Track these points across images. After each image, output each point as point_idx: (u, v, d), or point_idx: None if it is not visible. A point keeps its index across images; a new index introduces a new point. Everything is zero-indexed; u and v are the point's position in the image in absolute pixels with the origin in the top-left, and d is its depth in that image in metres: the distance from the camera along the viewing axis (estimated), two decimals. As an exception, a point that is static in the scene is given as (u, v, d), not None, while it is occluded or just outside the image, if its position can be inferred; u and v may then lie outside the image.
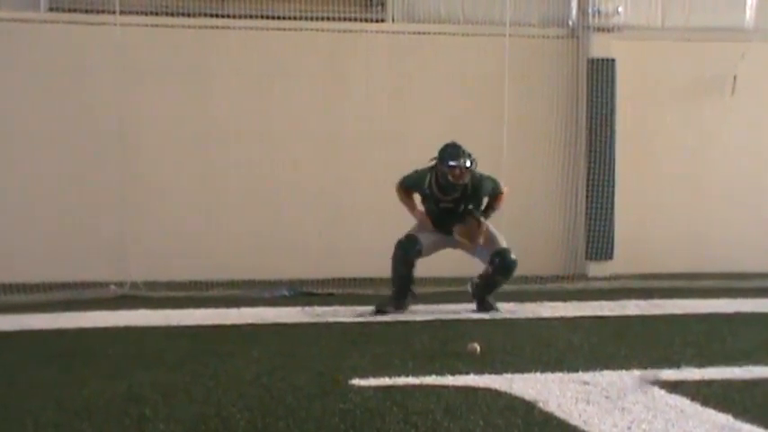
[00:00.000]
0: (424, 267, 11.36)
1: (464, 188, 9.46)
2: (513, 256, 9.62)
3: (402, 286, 9.65)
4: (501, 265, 9.60)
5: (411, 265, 9.58)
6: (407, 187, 9.79)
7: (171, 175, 12.65)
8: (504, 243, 9.70)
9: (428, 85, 13.07)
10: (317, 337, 8.25)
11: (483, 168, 12.74)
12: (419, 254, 9.57)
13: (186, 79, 12.64)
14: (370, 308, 9.59)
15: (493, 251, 9.58)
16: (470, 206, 9.55)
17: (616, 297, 11.00)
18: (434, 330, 8.59)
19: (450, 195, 9.48)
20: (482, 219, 9.52)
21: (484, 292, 9.82)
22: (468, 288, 9.92)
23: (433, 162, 9.44)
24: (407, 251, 9.51)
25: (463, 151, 9.30)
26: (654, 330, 8.76)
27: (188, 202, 12.68)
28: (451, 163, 9.24)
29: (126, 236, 11.94)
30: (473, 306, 9.84)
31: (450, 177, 9.29)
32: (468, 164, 9.28)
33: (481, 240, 9.52)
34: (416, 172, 9.67)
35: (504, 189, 9.85)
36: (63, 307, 10.07)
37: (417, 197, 9.85)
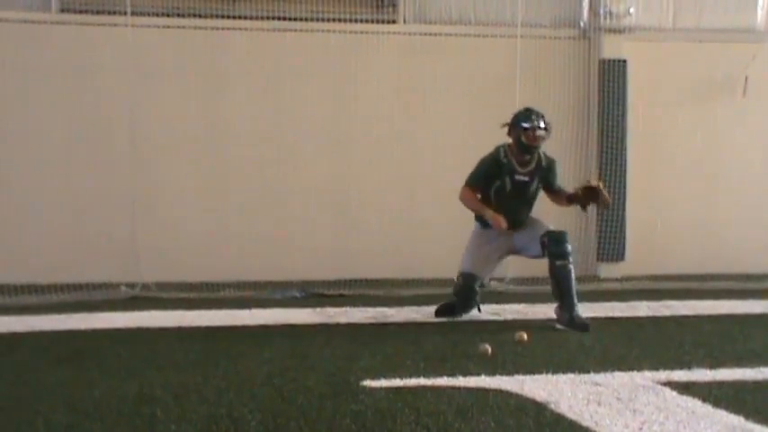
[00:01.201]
0: (433, 269, 11.38)
1: (539, 160, 9.13)
2: (560, 232, 9.11)
3: (466, 307, 9.39)
4: (549, 241, 8.99)
5: (473, 303, 9.32)
6: (478, 179, 9.18)
7: (182, 176, 12.66)
8: (548, 225, 9.23)
9: (439, 87, 13.06)
10: (329, 338, 8.25)
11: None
12: (482, 288, 9.33)
13: (197, 80, 12.65)
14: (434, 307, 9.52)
15: (541, 234, 9.09)
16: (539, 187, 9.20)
17: (627, 298, 10.99)
18: (446, 331, 8.59)
19: (527, 166, 9.09)
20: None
21: (562, 296, 8.94)
22: (557, 317, 9.01)
23: (506, 128, 9.12)
24: (468, 296, 9.21)
25: (536, 114, 9.03)
26: (665, 332, 8.74)
27: (199, 203, 12.69)
28: (524, 125, 8.95)
29: (137, 237, 11.95)
30: (485, 307, 9.75)
31: (524, 139, 8.95)
32: (542, 125, 8.99)
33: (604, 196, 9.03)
34: (482, 159, 9.24)
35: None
36: (74, 308, 10.08)
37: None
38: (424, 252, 12.02)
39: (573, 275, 8.92)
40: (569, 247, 9.00)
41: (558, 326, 8.82)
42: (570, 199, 9.22)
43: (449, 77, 13.10)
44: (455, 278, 9.28)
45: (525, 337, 7.14)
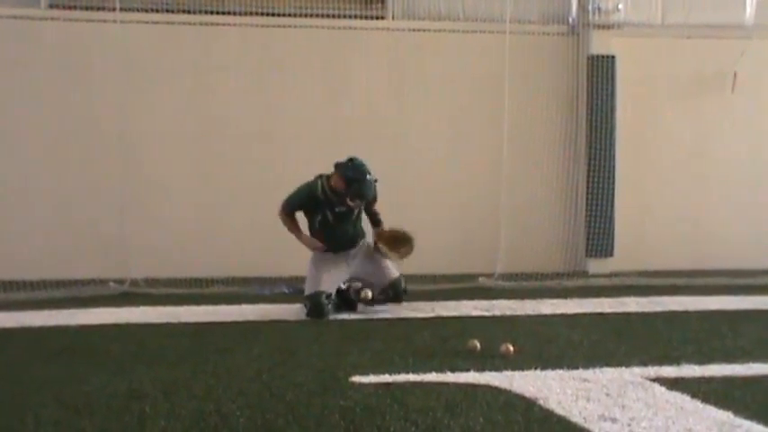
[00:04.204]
0: (423, 266, 11.38)
1: None
2: (402, 285, 9.52)
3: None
4: (392, 298, 9.53)
5: (329, 313, 9.33)
6: (293, 208, 9.40)
7: (171, 172, 12.66)
8: (395, 271, 9.57)
9: (428, 83, 13.08)
10: (317, 334, 8.25)
11: (484, 166, 12.84)
12: (328, 299, 9.32)
13: (186, 76, 12.66)
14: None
15: (387, 282, 9.49)
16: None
17: (616, 294, 11.01)
18: (434, 327, 8.59)
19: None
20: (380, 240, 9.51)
21: (364, 302, 9.49)
22: (353, 295, 9.61)
23: (323, 175, 9.28)
24: (320, 313, 9.19)
25: (371, 181, 9.12)
26: (654, 327, 8.75)
27: (188, 199, 12.69)
28: (357, 202, 9.19)
29: (126, 233, 11.93)
30: (474, 303, 9.82)
31: (349, 201, 9.14)
32: (372, 194, 9.24)
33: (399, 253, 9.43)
34: (300, 188, 9.37)
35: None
36: (63, 304, 10.08)
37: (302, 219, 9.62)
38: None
39: None
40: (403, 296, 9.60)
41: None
42: (375, 235, 9.58)
43: (437, 73, 13.12)
44: (303, 305, 9.38)
45: (512, 349, 7.14)
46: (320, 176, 9.29)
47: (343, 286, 9.60)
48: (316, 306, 9.17)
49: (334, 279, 9.41)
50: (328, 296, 9.28)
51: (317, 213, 9.33)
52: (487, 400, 5.65)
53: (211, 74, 12.72)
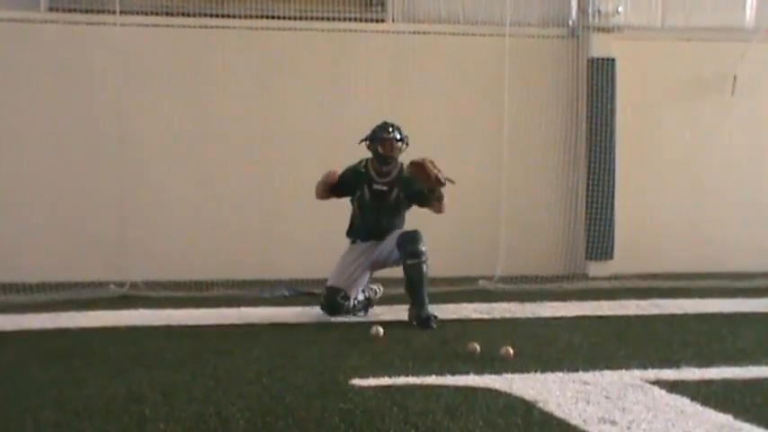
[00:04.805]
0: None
1: (399, 173, 9.41)
2: (416, 233, 9.23)
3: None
4: (403, 240, 9.16)
5: (342, 310, 9.35)
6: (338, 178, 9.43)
7: (170, 174, 12.65)
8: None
9: (428, 86, 13.06)
10: (317, 336, 8.26)
11: (484, 168, 12.83)
12: (346, 300, 9.32)
13: (186, 79, 12.63)
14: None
15: (395, 238, 9.29)
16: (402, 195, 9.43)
17: (616, 297, 11.01)
18: (434, 330, 8.60)
19: (386, 177, 9.42)
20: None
21: (411, 294, 9.14)
22: (408, 316, 9.18)
23: (365, 144, 9.45)
24: (333, 309, 9.28)
25: (392, 126, 9.43)
26: (654, 330, 8.76)
27: (188, 201, 12.67)
28: (381, 135, 9.35)
29: (126, 235, 11.92)
30: (474, 306, 9.83)
31: (380, 150, 9.31)
32: (398, 136, 9.39)
33: (437, 171, 8.96)
34: (345, 168, 9.55)
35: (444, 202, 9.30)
36: (62, 307, 10.06)
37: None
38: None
39: (424, 274, 9.08)
40: (422, 247, 9.12)
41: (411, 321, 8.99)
42: (424, 190, 9.22)
43: (437, 76, 13.10)
44: (321, 294, 9.51)
45: (511, 352, 7.14)
46: (363, 159, 9.57)
47: (361, 296, 9.60)
48: (329, 302, 9.29)
49: (354, 277, 9.43)
50: (344, 296, 9.30)
51: (356, 190, 9.47)
52: (487, 403, 5.66)
53: (212, 77, 12.71)
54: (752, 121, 13.89)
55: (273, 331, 8.62)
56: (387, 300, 9.88)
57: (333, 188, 9.46)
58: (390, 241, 9.32)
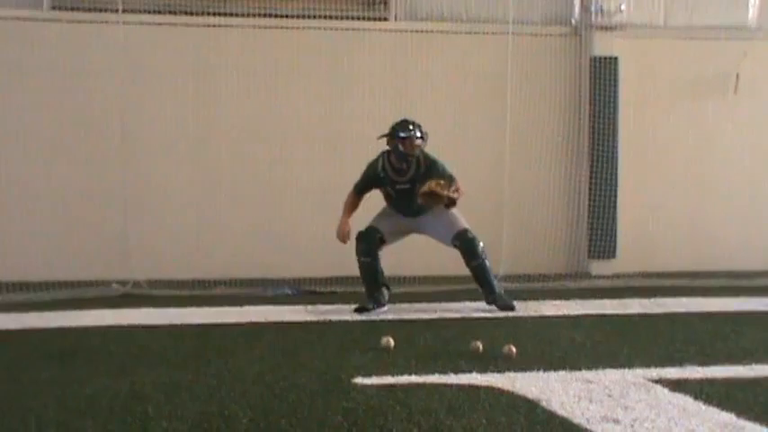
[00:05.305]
0: (426, 266, 11.40)
1: (417, 166, 9.47)
2: (470, 234, 9.59)
3: (373, 280, 9.70)
4: (462, 248, 9.60)
5: (375, 256, 9.66)
6: (359, 190, 9.78)
7: (174, 173, 12.65)
8: (462, 224, 9.66)
9: (431, 84, 13.06)
10: (320, 335, 8.25)
11: (486, 167, 12.83)
12: (382, 242, 9.66)
13: (189, 78, 12.63)
14: (345, 307, 9.72)
15: (452, 236, 9.60)
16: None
17: (619, 295, 11.01)
18: (437, 329, 8.59)
19: (405, 175, 9.51)
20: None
21: (482, 285, 9.71)
22: (485, 300, 9.80)
23: (384, 139, 9.52)
24: (369, 241, 9.59)
25: (413, 123, 9.43)
26: (657, 329, 8.75)
27: (191, 200, 12.67)
28: (401, 134, 9.35)
29: (129, 234, 11.94)
30: (476, 305, 9.85)
31: (401, 148, 9.36)
32: (418, 134, 9.40)
33: (447, 192, 9.19)
34: (365, 168, 9.76)
35: (459, 186, 9.40)
36: (66, 305, 10.08)
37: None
38: (415, 249, 11.98)
39: (488, 266, 9.70)
40: (480, 248, 9.65)
41: (490, 305, 9.68)
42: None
43: (440, 75, 13.11)
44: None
45: (514, 350, 7.13)
46: (384, 153, 9.64)
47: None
48: (367, 237, 9.62)
49: (394, 232, 9.78)
50: (381, 238, 9.62)
51: (382, 190, 9.73)
52: (490, 402, 5.65)
53: (214, 75, 12.71)
54: (754, 120, 13.89)
55: (276, 330, 8.61)
56: (389, 298, 9.87)
57: (356, 200, 9.80)
58: (437, 220, 9.61)
